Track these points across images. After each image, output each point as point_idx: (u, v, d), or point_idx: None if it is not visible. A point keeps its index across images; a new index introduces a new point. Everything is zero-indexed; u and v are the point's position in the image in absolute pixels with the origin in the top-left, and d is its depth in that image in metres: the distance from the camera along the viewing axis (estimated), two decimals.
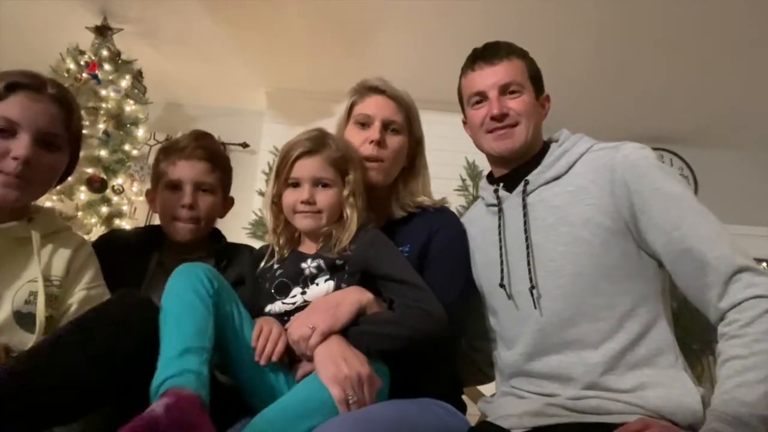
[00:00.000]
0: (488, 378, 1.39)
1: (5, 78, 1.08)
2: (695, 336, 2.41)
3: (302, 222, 1.21)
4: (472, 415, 1.23)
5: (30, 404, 0.80)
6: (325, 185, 1.21)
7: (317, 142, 1.22)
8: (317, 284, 1.15)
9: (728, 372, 0.90)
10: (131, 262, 1.34)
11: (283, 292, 1.18)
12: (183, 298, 0.98)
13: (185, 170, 1.39)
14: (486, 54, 1.26)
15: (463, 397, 1.34)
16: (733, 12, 2.64)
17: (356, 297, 1.09)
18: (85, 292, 1.15)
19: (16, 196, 1.07)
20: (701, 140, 3.81)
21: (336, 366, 0.98)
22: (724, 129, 3.70)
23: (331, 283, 1.14)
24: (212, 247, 1.44)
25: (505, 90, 1.22)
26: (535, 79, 1.27)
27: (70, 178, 1.36)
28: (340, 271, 1.16)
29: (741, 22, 2.71)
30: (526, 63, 1.26)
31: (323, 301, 1.11)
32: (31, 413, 0.80)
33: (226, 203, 1.50)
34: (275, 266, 1.23)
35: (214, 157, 1.43)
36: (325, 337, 1.03)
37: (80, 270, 1.17)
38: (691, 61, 3.05)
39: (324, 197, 1.20)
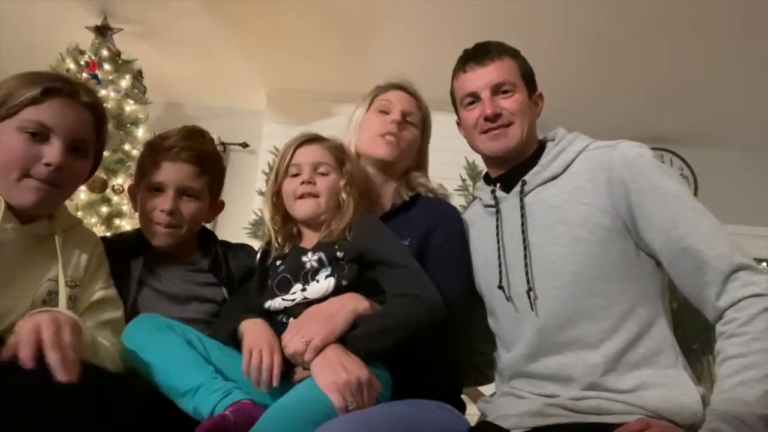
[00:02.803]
0: (488, 379, 1.39)
1: (41, 82, 1.06)
2: (695, 336, 2.40)
3: (302, 208, 1.24)
4: (472, 415, 1.23)
5: None
6: (324, 173, 1.25)
7: (315, 135, 1.31)
8: (317, 281, 1.15)
9: (727, 371, 0.90)
10: (115, 267, 1.26)
11: (285, 287, 1.18)
12: (162, 341, 1.05)
13: (169, 173, 1.29)
14: (477, 54, 1.26)
15: (463, 396, 1.34)
16: (734, 11, 2.64)
17: (352, 305, 1.08)
18: (103, 292, 1.16)
19: (43, 201, 1.06)
20: (701, 140, 3.80)
21: (335, 373, 0.97)
22: (724, 129, 3.69)
23: (332, 280, 1.14)
24: (204, 247, 1.39)
25: (497, 90, 1.22)
26: (527, 77, 1.27)
27: None
28: (340, 265, 1.16)
29: (741, 21, 2.71)
30: (517, 62, 1.26)
31: (319, 309, 1.09)
32: None
33: (215, 207, 1.41)
34: (277, 262, 1.25)
35: (203, 159, 1.32)
36: (320, 350, 1.02)
37: (96, 269, 1.17)
38: (692, 60, 3.04)
39: (323, 182, 1.24)
